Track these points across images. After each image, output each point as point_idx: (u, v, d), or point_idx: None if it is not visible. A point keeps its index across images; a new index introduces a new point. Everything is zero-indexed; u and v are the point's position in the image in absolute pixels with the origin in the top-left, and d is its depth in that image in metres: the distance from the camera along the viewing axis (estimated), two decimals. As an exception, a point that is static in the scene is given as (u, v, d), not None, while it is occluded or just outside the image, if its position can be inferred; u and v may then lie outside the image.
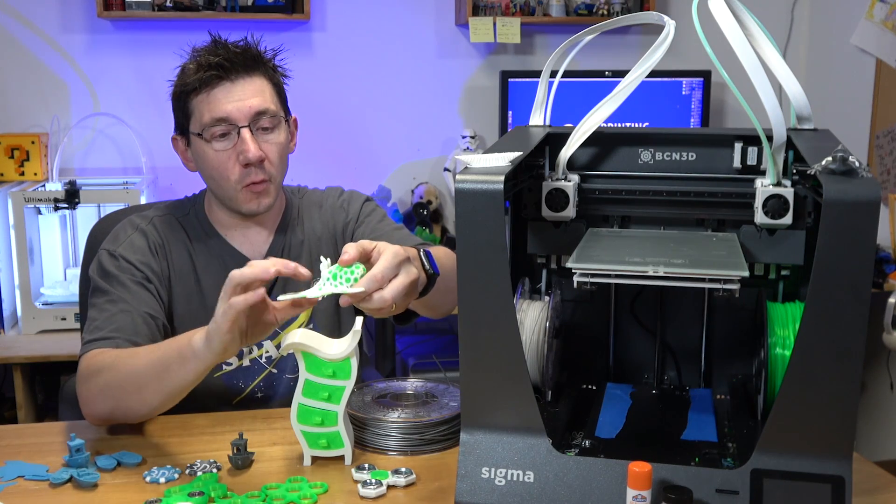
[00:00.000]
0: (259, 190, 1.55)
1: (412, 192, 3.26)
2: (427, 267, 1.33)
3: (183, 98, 1.55)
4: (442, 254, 1.48)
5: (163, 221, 1.61)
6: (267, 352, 1.60)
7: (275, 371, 1.61)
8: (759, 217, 1.18)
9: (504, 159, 1.10)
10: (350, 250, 1.20)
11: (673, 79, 3.13)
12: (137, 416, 1.38)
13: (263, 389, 1.61)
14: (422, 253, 1.34)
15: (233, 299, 1.17)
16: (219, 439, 1.36)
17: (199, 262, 1.59)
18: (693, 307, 1.33)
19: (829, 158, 1.00)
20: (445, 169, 3.25)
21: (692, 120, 3.18)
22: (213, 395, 1.56)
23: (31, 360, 2.56)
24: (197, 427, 1.42)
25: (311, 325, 1.60)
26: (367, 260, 1.24)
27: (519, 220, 1.31)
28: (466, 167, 1.07)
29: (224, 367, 1.58)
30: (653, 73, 1.17)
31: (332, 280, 1.20)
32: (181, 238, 1.61)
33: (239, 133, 1.51)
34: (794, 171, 1.18)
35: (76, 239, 2.90)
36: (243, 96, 1.51)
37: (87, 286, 1.76)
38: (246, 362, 1.59)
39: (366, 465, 1.24)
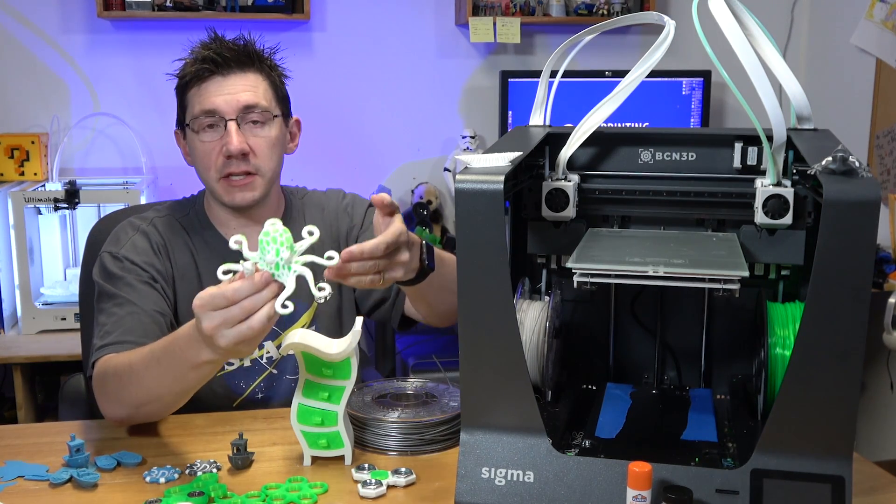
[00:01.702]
0: (240, 183, 1.54)
1: (412, 192, 3.26)
2: (424, 257, 1.35)
3: (180, 91, 1.58)
4: (447, 257, 1.49)
5: (163, 222, 1.62)
6: (268, 352, 1.60)
7: (275, 372, 1.61)
8: (759, 217, 1.18)
9: (504, 159, 1.10)
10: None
11: (673, 79, 3.13)
12: (158, 418, 1.40)
13: (264, 390, 1.61)
14: (423, 245, 1.35)
15: (238, 346, 1.14)
16: (219, 439, 1.36)
17: (201, 261, 1.59)
18: (693, 307, 1.33)
19: (829, 158, 1.00)
20: (445, 169, 3.25)
21: (692, 120, 3.18)
22: (214, 396, 1.56)
23: (31, 360, 2.56)
24: (197, 427, 1.42)
25: (313, 327, 1.60)
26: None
27: (519, 220, 1.31)
28: (466, 167, 1.07)
29: (226, 366, 1.58)
30: (653, 73, 1.17)
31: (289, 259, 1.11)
32: (182, 238, 1.61)
33: (226, 126, 1.52)
34: (794, 171, 1.18)
35: (76, 239, 2.90)
36: (234, 90, 1.52)
37: (87, 287, 1.76)
38: (246, 363, 1.59)
39: (366, 465, 1.24)
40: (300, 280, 1.12)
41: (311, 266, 1.13)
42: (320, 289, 1.11)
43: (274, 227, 1.11)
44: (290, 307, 1.10)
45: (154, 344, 1.32)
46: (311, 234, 1.13)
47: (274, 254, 1.10)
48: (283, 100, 1.62)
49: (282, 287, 1.11)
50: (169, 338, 1.28)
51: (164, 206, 1.68)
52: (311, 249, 1.13)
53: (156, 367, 1.29)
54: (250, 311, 1.11)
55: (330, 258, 1.15)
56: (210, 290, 1.13)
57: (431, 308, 1.55)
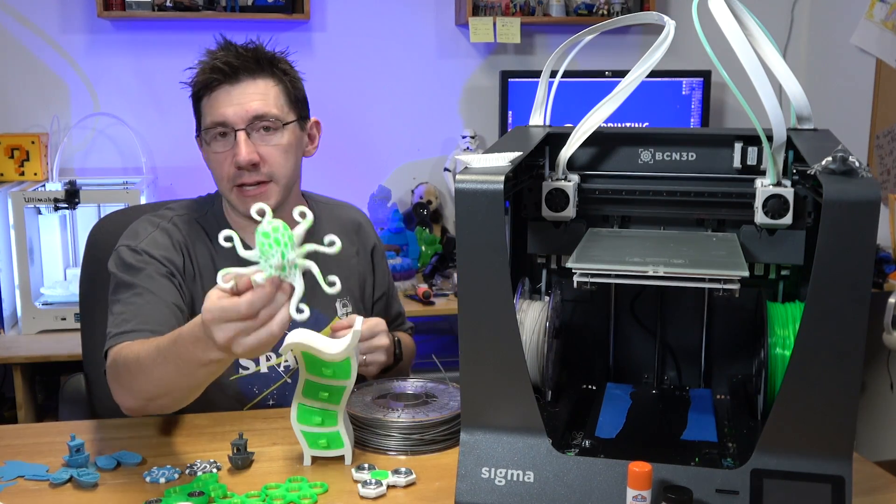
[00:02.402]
0: (253, 193, 1.53)
1: (412, 192, 3.26)
2: (397, 352, 1.58)
3: (194, 100, 1.58)
4: (405, 342, 1.70)
5: (183, 221, 1.60)
6: (286, 361, 1.60)
7: (290, 381, 1.60)
8: (759, 217, 1.18)
9: (504, 159, 1.10)
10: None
11: (673, 79, 3.13)
12: (173, 410, 1.35)
13: (276, 398, 1.59)
14: (395, 340, 1.58)
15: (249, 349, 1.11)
16: (219, 439, 1.36)
17: (221, 261, 1.57)
18: (693, 307, 1.33)
19: (829, 158, 1.00)
20: (445, 169, 3.25)
21: (692, 120, 3.18)
22: (225, 398, 1.54)
23: (31, 360, 2.55)
24: (197, 427, 1.42)
25: None
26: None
27: (519, 220, 1.31)
28: (466, 167, 1.08)
29: (241, 370, 1.57)
30: (653, 73, 1.17)
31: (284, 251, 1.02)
32: (202, 238, 1.59)
33: (236, 136, 1.51)
34: (794, 171, 1.18)
35: (76, 239, 2.90)
36: (243, 100, 1.51)
37: (88, 287, 1.76)
38: (263, 369, 1.58)
39: (366, 465, 1.24)
40: (321, 294, 1.07)
41: (313, 256, 1.05)
42: (331, 283, 1.04)
43: (273, 227, 1.03)
44: (306, 311, 1.04)
45: (160, 340, 1.27)
46: (303, 215, 1.06)
47: (279, 257, 1.03)
48: (298, 103, 1.59)
49: (292, 288, 1.05)
50: (173, 335, 1.23)
51: (179, 205, 1.66)
52: (322, 261, 1.08)
53: (163, 363, 1.24)
54: (267, 320, 1.07)
55: (331, 243, 1.06)
56: (220, 303, 1.07)
57: None
